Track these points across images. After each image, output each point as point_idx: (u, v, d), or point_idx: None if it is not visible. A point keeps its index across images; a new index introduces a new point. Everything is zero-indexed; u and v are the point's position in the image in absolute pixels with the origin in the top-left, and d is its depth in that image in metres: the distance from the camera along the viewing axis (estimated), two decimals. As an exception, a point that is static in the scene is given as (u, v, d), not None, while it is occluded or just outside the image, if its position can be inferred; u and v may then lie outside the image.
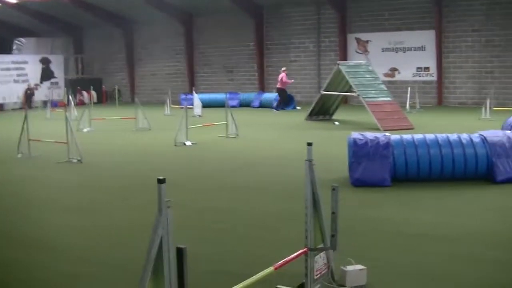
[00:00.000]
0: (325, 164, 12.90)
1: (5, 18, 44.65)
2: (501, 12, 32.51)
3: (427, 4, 34.38)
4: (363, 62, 27.23)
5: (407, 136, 11.69)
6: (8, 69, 39.37)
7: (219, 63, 42.68)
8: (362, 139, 11.36)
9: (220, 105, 28.11)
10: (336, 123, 24.14)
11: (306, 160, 5.63)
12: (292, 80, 32.92)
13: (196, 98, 30.07)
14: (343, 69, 23.76)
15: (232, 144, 18.28)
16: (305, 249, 5.71)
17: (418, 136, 11.66)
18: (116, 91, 41.19)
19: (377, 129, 19.52)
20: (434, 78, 35.15)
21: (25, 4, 41.36)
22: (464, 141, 11.41)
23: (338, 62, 26.10)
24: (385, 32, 36.34)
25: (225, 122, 20.00)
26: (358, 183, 11.20)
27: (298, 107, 32.98)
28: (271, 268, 5.38)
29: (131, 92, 45.54)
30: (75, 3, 40.63)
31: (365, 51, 37.33)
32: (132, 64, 46.51)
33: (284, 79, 31.57)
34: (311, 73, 39.21)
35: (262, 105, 34.71)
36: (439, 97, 35.00)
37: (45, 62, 42.36)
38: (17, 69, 40.00)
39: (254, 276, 5.17)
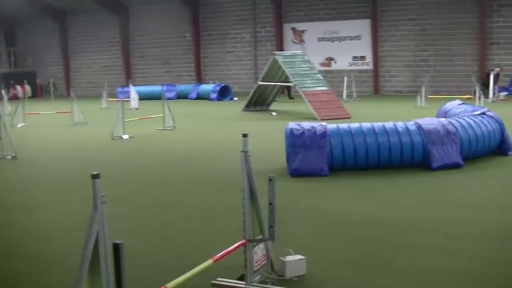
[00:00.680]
0: (263, 154, 12.94)
1: None
2: (435, 1, 33.15)
3: (361, -6, 34.85)
4: (299, 52, 27.41)
5: (343, 125, 11.77)
6: None
7: (156, 55, 42.38)
8: (299, 129, 11.39)
9: (157, 97, 27.92)
10: (273, 113, 24.23)
11: (241, 151, 5.61)
12: None
13: (133, 90, 29.81)
14: (280, 59, 23.85)
15: (169, 137, 18.19)
16: (243, 240, 5.70)
17: (354, 125, 11.75)
18: (51, 84, 40.44)
19: (314, 119, 19.69)
20: (370, 67, 35.67)
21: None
22: (400, 129, 11.57)
23: (274, 52, 26.21)
24: (320, 22, 36.68)
25: (162, 115, 19.87)
26: (296, 173, 11.23)
27: (235, 98, 32.99)
28: (210, 261, 5.37)
29: (66, 86, 44.81)
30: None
31: (301, 41, 37.61)
32: (67, 57, 45.74)
33: None
34: (248, 63, 39.31)
35: (199, 97, 34.60)
36: (375, 85, 35.54)
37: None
38: None
39: (193, 270, 5.16)
